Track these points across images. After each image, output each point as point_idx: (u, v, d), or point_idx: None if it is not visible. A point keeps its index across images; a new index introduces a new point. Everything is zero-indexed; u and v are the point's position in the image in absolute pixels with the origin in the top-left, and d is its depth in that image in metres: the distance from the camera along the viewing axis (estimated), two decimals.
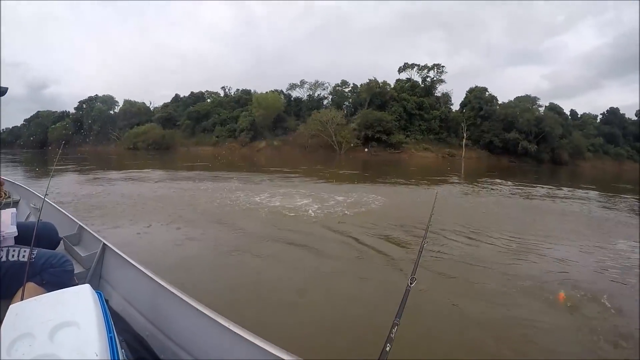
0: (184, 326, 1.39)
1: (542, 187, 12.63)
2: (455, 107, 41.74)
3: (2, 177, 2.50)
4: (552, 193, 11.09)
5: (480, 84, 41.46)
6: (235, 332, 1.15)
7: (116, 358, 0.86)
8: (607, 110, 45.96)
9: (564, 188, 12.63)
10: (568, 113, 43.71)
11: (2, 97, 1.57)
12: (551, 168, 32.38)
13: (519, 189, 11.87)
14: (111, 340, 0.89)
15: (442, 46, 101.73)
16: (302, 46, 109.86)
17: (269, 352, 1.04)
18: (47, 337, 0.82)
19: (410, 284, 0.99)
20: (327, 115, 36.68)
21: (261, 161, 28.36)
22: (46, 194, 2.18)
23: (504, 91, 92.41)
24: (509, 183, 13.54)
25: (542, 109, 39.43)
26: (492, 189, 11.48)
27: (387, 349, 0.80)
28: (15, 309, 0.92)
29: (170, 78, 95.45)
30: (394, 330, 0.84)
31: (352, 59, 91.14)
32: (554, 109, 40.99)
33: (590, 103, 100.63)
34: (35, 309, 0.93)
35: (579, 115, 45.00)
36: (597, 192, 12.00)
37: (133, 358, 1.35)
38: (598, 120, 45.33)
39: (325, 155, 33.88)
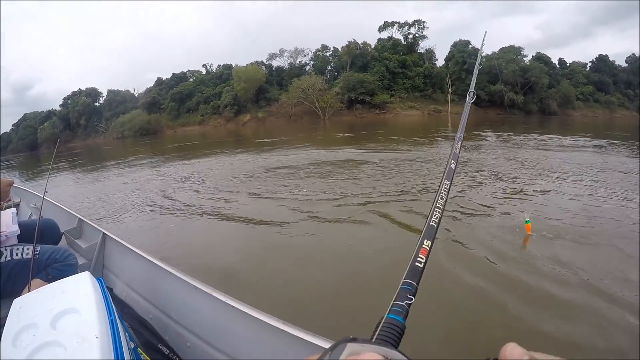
0: (184, 305, 1.43)
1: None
2: (440, 62, 41.01)
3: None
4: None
5: (470, 38, 40.47)
6: (233, 307, 1.18)
7: (117, 339, 0.85)
8: (595, 58, 44.99)
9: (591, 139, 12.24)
10: (556, 62, 42.86)
11: None
12: (541, 118, 31.84)
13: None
14: (112, 322, 0.90)
15: (428, 3, 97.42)
16: (284, 14, 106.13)
17: (270, 324, 1.05)
18: (49, 325, 0.84)
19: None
20: (307, 81, 36.17)
21: (247, 134, 28.14)
22: (45, 192, 2.21)
23: (496, 44, 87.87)
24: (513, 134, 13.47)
25: (527, 59, 38.67)
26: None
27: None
28: (19, 303, 0.95)
29: (153, 61, 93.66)
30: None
31: (334, 20, 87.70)
32: (540, 58, 40.15)
33: (584, 51, 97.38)
34: (37, 301, 0.95)
35: (567, 64, 44.04)
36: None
37: (139, 342, 1.37)
38: (587, 69, 44.37)
39: (310, 122, 33.60)
